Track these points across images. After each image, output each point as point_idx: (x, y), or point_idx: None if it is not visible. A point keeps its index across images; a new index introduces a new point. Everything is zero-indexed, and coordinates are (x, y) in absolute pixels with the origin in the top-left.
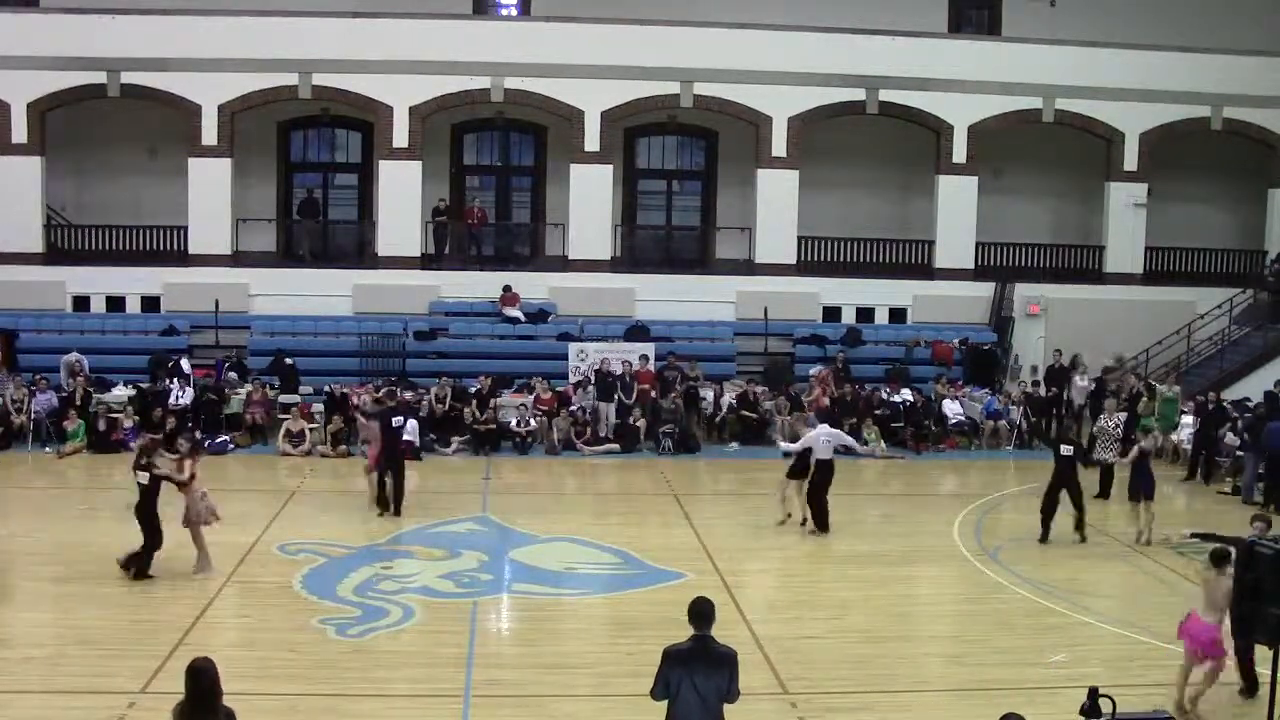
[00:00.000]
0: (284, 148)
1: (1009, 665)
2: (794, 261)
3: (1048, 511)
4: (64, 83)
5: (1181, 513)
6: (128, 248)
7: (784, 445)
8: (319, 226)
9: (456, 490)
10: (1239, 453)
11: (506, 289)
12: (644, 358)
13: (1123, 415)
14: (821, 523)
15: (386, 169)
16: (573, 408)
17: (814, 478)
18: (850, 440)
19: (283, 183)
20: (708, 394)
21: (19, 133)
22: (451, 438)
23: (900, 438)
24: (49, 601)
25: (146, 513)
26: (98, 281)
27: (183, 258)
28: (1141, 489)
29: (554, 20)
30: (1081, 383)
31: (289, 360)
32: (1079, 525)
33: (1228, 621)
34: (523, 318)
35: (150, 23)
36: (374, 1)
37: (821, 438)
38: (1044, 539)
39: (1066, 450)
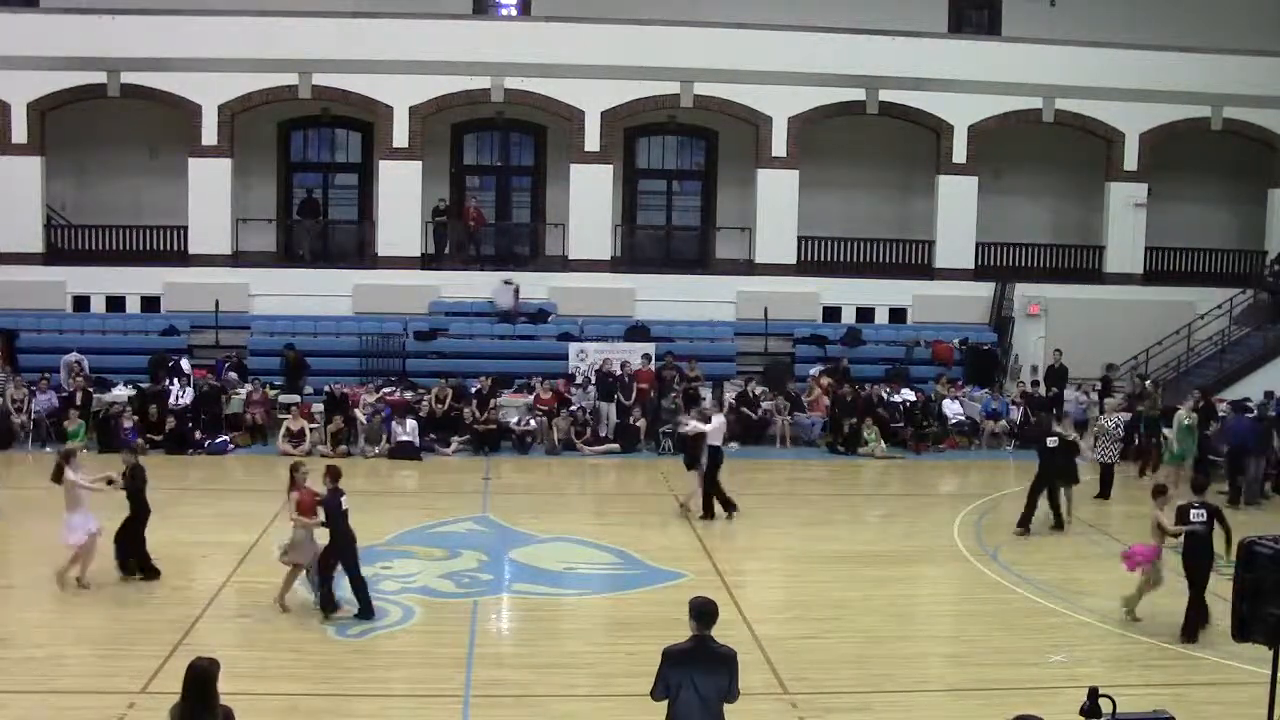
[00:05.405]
0: (284, 148)
1: (1009, 665)
2: (794, 261)
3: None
4: (64, 83)
5: None
6: (128, 248)
7: (693, 425)
8: (319, 226)
9: (456, 490)
10: None
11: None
12: (646, 357)
13: (1124, 415)
14: (726, 504)
15: (386, 169)
16: (573, 408)
17: (710, 463)
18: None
19: (283, 183)
20: (707, 393)
21: (19, 133)
22: (451, 438)
23: (900, 438)
24: (49, 601)
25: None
26: (98, 281)
27: (183, 258)
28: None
29: (554, 20)
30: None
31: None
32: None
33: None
34: (510, 308)
35: (150, 23)
36: (374, 1)
37: (720, 428)
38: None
39: (1053, 443)
